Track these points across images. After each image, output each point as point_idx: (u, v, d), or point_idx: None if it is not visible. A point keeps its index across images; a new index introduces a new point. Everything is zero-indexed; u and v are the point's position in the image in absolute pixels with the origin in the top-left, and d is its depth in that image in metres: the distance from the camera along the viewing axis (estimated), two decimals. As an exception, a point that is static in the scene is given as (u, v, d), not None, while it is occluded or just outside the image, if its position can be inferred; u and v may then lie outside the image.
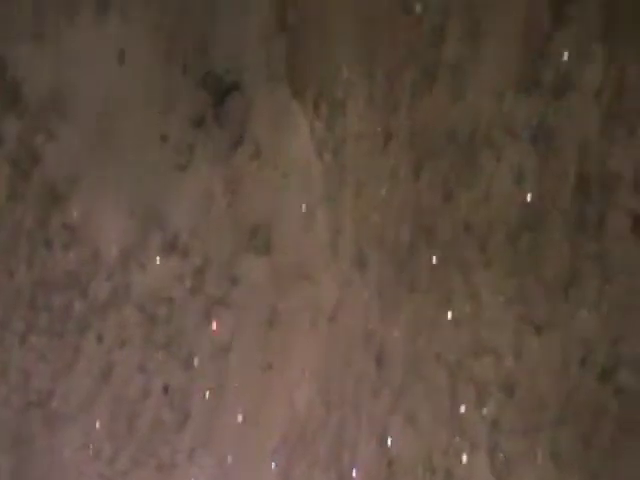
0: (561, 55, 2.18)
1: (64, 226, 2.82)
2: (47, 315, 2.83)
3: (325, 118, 2.60)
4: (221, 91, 2.77)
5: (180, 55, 2.79)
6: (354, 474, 2.50)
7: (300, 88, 2.64)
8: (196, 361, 2.77)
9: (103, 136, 2.81)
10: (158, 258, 2.78)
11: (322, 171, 2.61)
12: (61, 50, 2.79)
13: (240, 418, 2.73)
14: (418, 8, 2.42)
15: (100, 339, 2.82)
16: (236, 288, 2.73)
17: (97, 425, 2.86)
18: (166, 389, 2.80)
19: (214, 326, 2.75)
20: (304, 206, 2.65)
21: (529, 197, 2.22)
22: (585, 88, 2.14)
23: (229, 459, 2.73)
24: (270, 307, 2.69)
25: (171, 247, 2.77)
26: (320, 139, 2.61)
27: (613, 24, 2.12)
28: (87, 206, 2.81)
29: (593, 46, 2.13)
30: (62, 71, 2.81)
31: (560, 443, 2.14)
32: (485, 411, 2.30)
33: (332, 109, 2.58)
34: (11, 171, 2.85)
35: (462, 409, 2.34)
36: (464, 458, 2.30)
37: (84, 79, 2.80)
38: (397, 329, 2.49)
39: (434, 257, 2.41)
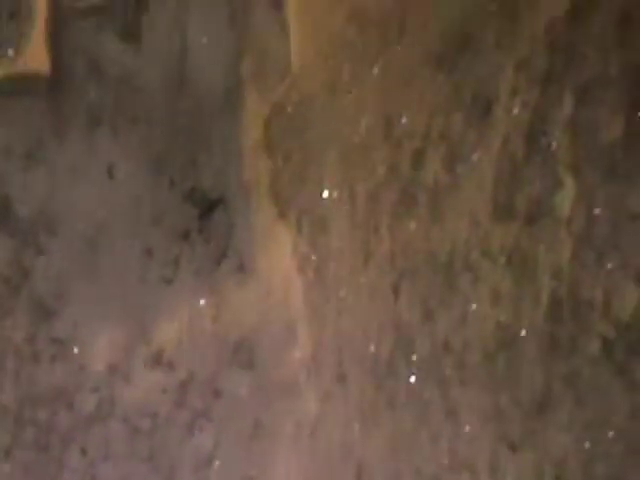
0: (533, 183, 2.26)
1: (52, 340, 2.85)
2: (33, 429, 2.85)
3: (307, 236, 2.66)
4: (207, 205, 2.82)
5: (168, 170, 2.85)
6: None
7: (283, 206, 2.71)
8: (179, 473, 2.78)
9: (91, 250, 2.84)
10: (143, 371, 2.81)
11: (304, 287, 2.67)
12: (52, 167, 2.84)
13: (222, 530, 2.74)
14: (398, 132, 2.51)
15: (84, 452, 2.83)
16: (219, 401, 2.76)
17: (80, 538, 2.86)
18: (149, 501, 2.81)
19: (197, 439, 2.77)
20: (286, 321, 2.70)
21: (504, 318, 2.29)
22: (556, 215, 2.23)
23: None
24: (252, 420, 2.72)
25: (156, 361, 2.81)
26: (303, 256, 2.67)
27: (582, 154, 2.22)
28: (75, 320, 2.84)
29: (564, 175, 2.22)
30: (53, 187, 2.85)
31: None
32: (463, 527, 2.33)
33: (314, 227, 2.65)
34: (1, 287, 2.88)
35: (440, 524, 2.38)
36: None
37: (74, 194, 2.85)
38: (377, 443, 2.52)
39: (413, 373, 2.47)
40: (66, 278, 2.86)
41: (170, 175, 2.85)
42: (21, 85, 2.83)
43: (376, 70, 2.55)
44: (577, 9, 2.24)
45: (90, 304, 2.85)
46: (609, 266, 2.13)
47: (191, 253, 2.83)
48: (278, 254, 2.72)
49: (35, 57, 2.82)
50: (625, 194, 2.12)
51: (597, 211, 2.16)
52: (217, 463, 2.76)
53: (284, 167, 2.71)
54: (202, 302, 2.79)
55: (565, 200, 2.21)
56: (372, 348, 2.54)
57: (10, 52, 2.84)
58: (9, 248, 2.86)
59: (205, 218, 2.83)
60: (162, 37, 2.85)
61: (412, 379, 2.46)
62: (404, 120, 2.50)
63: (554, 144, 2.24)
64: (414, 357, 2.46)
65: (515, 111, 2.30)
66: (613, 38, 2.20)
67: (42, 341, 2.87)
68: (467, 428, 2.35)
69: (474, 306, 2.33)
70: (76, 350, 2.84)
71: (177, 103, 2.83)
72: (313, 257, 2.66)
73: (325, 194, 2.63)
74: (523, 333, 2.24)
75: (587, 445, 2.15)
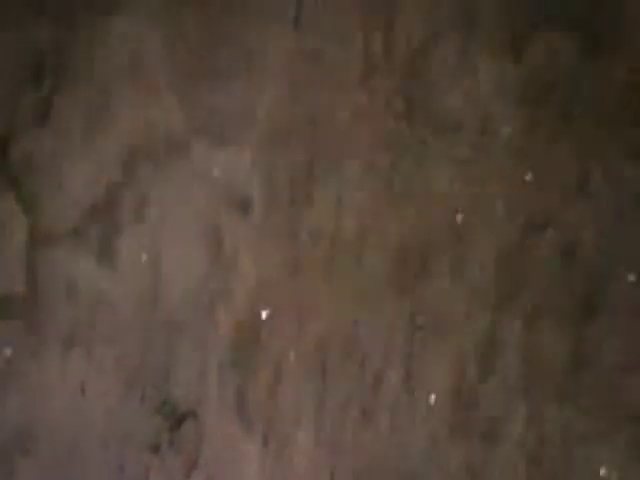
0: (488, 405, 2.36)
1: None
2: None
3: (273, 450, 2.71)
4: (177, 417, 2.87)
5: (139, 385, 2.89)
6: None
7: (250, 421, 2.77)
8: None
9: (63, 469, 2.87)
10: None
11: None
12: (27, 387, 2.90)
13: None
14: (357, 354, 2.61)
15: None
16: None
17: None
18: None
19: None
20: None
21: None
22: (510, 437, 2.32)
23: None
24: None
25: None
26: (268, 470, 2.71)
27: (533, 377, 2.33)
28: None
29: (515, 400, 2.33)
30: (27, 407, 2.90)
31: None
32: None
33: (280, 442, 2.70)
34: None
35: None
36: None
37: (47, 413, 2.90)
38: None
39: None
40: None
41: (142, 389, 2.90)
42: (-2, 307, 2.93)
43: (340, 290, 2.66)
44: (526, 243, 2.39)
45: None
46: None
47: (161, 466, 2.86)
48: (245, 468, 2.76)
49: (12, 279, 2.92)
50: (573, 418, 2.22)
51: (547, 434, 2.25)
52: None
53: (251, 382, 2.78)
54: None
55: (517, 423, 2.30)
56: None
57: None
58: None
59: (176, 429, 2.86)
60: (136, 255, 2.94)
61: None
62: (364, 339, 2.60)
63: (507, 361, 2.35)
64: None
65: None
66: (557, 266, 2.35)
67: None
68: None
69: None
70: None
71: (150, 319, 2.90)
72: (278, 472, 2.70)
73: (292, 410, 2.70)
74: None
75: None
